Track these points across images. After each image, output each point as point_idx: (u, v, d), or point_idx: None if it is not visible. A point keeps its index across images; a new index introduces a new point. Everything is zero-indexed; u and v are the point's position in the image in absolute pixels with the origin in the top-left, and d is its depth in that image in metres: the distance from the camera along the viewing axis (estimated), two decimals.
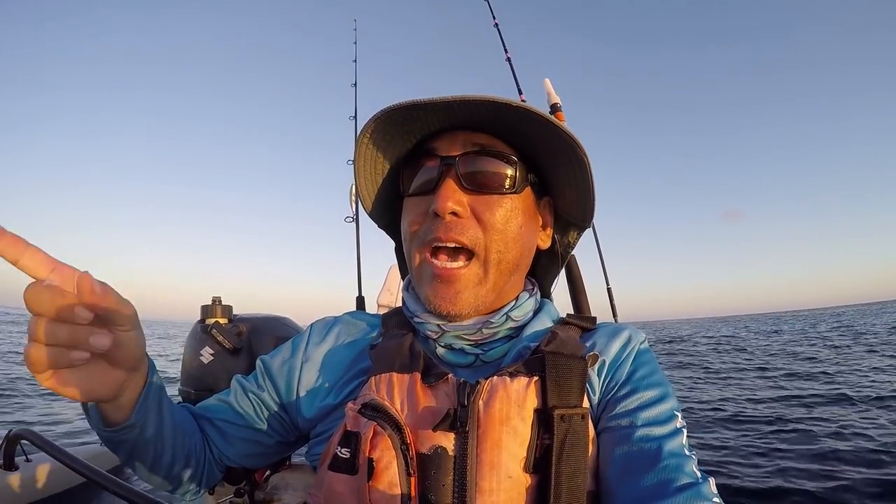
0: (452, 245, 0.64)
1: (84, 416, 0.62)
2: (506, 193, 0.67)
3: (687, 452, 0.57)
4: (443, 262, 0.65)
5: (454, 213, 0.64)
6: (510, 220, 0.67)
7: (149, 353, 0.59)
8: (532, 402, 0.58)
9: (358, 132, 0.68)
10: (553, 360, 0.60)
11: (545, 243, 0.77)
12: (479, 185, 0.66)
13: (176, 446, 0.67)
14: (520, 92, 1.85)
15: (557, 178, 0.72)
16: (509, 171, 0.67)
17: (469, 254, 0.65)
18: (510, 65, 1.94)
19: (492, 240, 0.65)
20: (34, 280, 0.43)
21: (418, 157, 0.70)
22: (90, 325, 0.45)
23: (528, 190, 0.70)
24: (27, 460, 2.68)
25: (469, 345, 0.68)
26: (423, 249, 0.67)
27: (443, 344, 0.69)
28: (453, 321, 0.67)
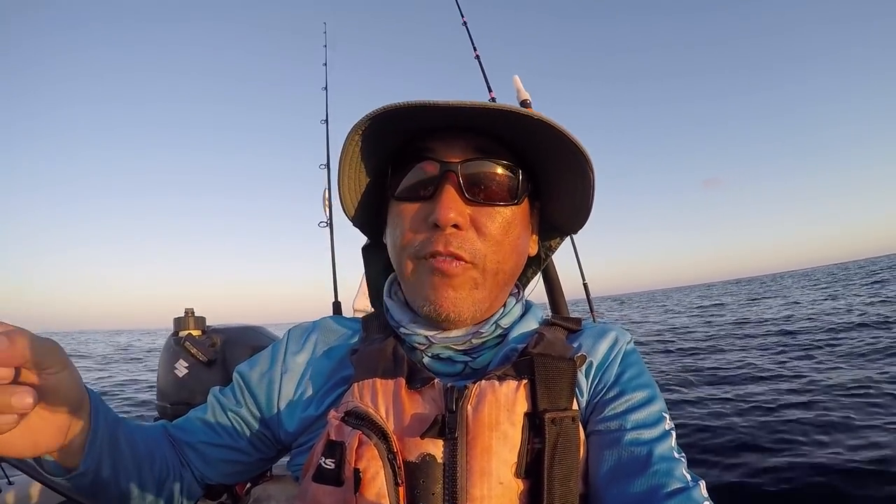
0: (451, 258, 0.61)
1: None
2: (507, 205, 0.64)
3: (677, 455, 0.57)
4: (442, 257, 0.61)
5: (455, 225, 0.61)
6: (509, 232, 0.64)
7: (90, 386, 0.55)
8: (522, 405, 0.57)
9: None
10: (542, 362, 0.59)
11: (534, 250, 0.75)
12: (481, 196, 0.63)
13: (143, 477, 0.63)
14: (489, 89, 1.85)
15: (556, 187, 0.70)
16: (512, 181, 0.65)
17: (464, 262, 0.62)
18: (479, 62, 1.94)
19: (491, 251, 0.63)
20: None
21: (410, 155, 0.66)
22: (9, 383, 0.41)
23: (525, 199, 0.68)
24: (9, 483, 2.63)
25: (457, 353, 0.66)
26: (417, 259, 0.64)
27: (430, 354, 0.67)
28: (448, 326, 0.65)
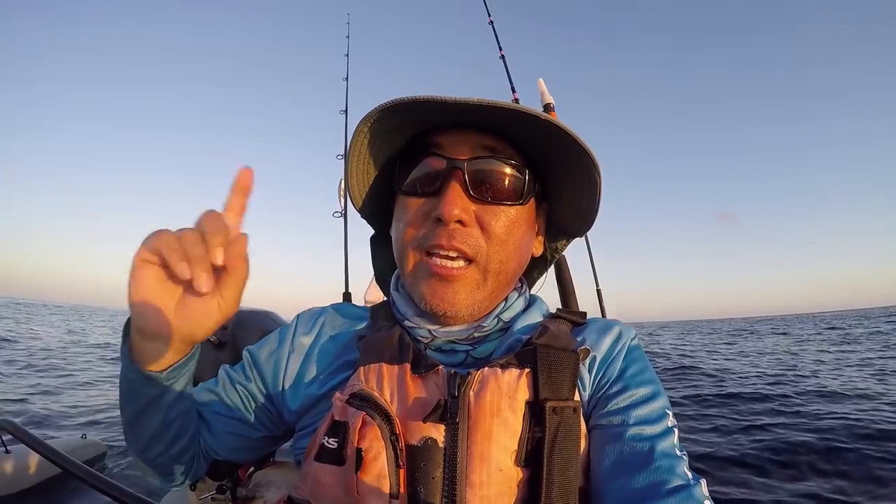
0: (454, 254, 0.62)
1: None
2: (513, 205, 0.65)
3: (678, 453, 0.57)
4: (441, 261, 0.63)
5: (459, 222, 0.62)
6: (513, 232, 0.65)
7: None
8: (524, 394, 0.57)
9: (350, 125, 0.65)
10: (545, 352, 0.60)
11: (538, 251, 0.75)
12: (487, 194, 0.63)
13: (181, 422, 0.65)
14: (513, 90, 1.85)
15: (563, 190, 0.70)
16: (518, 182, 0.65)
17: (468, 260, 0.63)
18: (504, 62, 1.93)
19: (494, 251, 0.64)
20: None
21: (417, 151, 0.66)
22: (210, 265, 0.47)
23: (532, 200, 0.68)
24: (7, 451, 2.65)
25: (460, 343, 0.67)
26: (419, 252, 0.65)
27: (433, 347, 0.68)
28: (447, 323, 0.66)
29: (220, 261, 0.47)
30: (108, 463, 3.82)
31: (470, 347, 0.67)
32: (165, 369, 0.57)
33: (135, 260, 0.48)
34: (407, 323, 0.68)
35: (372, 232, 0.83)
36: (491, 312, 0.68)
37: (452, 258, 0.63)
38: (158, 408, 0.61)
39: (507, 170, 0.64)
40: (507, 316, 0.69)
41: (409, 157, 0.67)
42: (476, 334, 0.66)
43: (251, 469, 1.25)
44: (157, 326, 0.51)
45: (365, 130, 0.64)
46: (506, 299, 0.70)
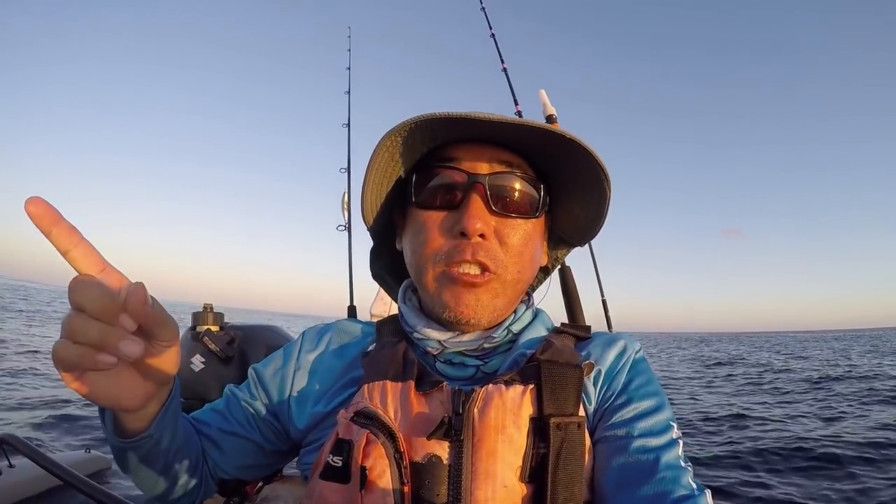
0: (476, 267, 0.63)
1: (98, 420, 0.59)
2: (529, 218, 0.67)
3: (683, 464, 0.57)
4: (464, 269, 0.63)
5: (481, 235, 0.63)
6: (528, 244, 0.67)
7: None
8: (528, 410, 0.58)
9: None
10: (548, 368, 0.60)
11: (543, 261, 0.76)
12: (506, 208, 0.65)
13: (182, 458, 0.66)
14: (515, 102, 1.85)
15: (571, 202, 0.72)
16: (534, 196, 0.67)
17: (489, 272, 0.64)
18: (506, 75, 1.94)
19: (512, 263, 0.65)
20: (81, 274, 0.41)
21: (433, 164, 0.67)
22: (123, 330, 0.42)
23: (544, 213, 0.71)
24: (10, 465, 2.64)
25: (469, 357, 0.67)
26: (440, 266, 0.65)
27: (442, 359, 0.68)
28: (465, 329, 0.66)
29: (132, 325, 0.42)
30: (112, 478, 3.80)
31: (480, 362, 0.67)
32: (151, 423, 0.57)
33: (71, 387, 0.45)
34: (416, 335, 0.69)
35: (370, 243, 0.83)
36: (502, 323, 0.69)
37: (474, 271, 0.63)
38: (157, 455, 0.61)
39: (525, 185, 0.66)
40: (516, 328, 0.70)
41: (425, 170, 0.67)
42: (486, 345, 0.67)
43: (259, 484, 1.25)
44: (132, 404, 0.50)
45: (388, 145, 0.64)
46: (515, 311, 0.71)
